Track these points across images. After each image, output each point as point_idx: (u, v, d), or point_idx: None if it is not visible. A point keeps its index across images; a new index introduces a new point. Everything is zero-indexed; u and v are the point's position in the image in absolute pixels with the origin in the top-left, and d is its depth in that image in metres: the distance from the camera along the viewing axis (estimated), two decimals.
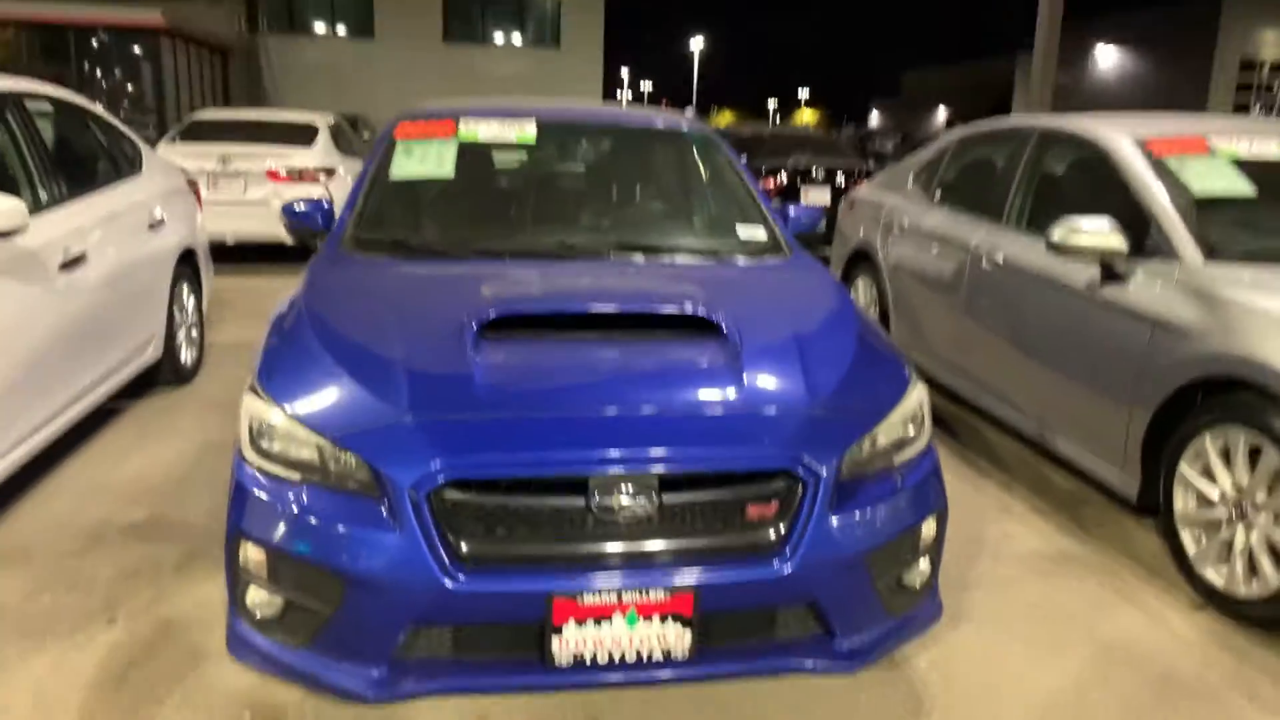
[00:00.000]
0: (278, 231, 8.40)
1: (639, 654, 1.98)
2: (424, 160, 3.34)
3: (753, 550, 2.00)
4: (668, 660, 1.99)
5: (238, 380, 4.96)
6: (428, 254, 2.89)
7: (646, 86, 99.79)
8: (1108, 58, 33.82)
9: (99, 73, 20.41)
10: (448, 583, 1.89)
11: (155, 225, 4.44)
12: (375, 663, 1.97)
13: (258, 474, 2.09)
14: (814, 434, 2.07)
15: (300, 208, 3.31)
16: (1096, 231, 3.28)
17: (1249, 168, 3.47)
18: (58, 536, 3.13)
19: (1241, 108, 30.47)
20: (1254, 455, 2.72)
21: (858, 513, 2.07)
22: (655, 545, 1.97)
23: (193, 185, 5.33)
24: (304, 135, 8.97)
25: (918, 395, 2.33)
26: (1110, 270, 3.33)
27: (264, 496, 2.04)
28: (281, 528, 2.00)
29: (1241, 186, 3.39)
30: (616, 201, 3.54)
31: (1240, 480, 2.77)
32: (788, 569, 1.98)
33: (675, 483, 1.97)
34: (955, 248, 4.43)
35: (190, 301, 4.95)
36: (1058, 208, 4.04)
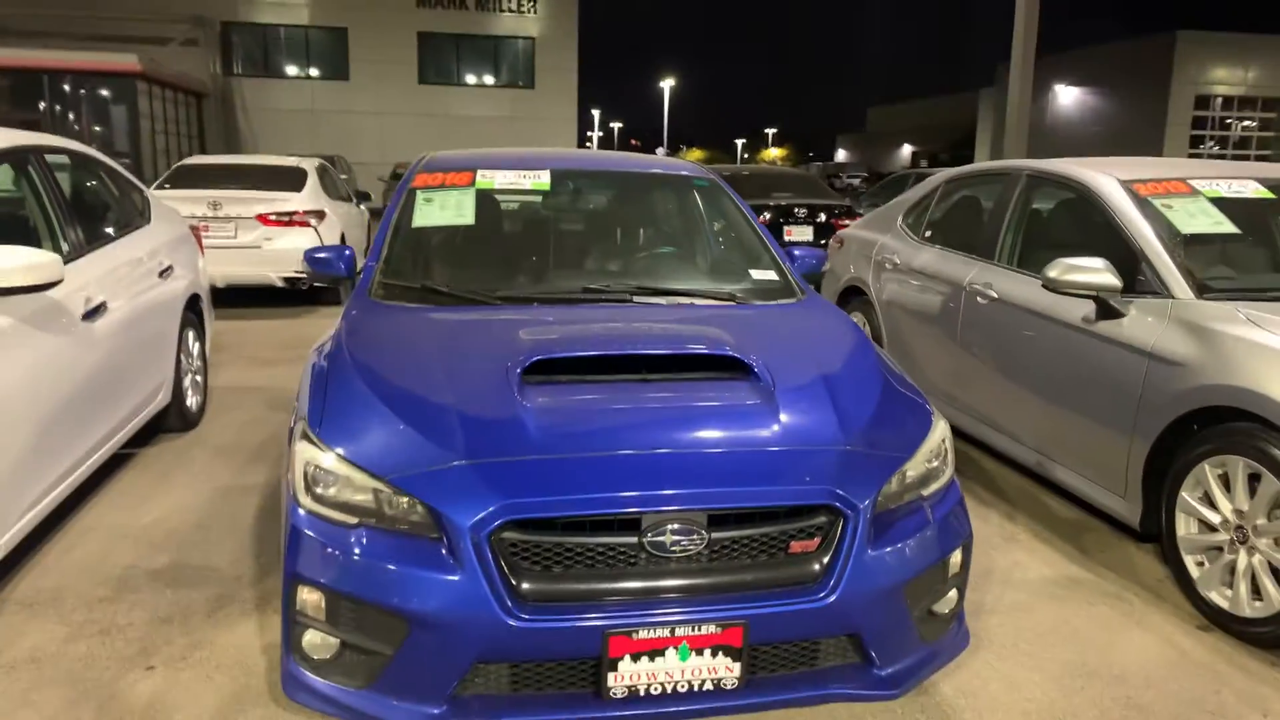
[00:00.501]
0: (268, 274, 8.47)
1: (690, 685, 2.05)
2: (444, 209, 3.45)
3: (797, 583, 2.08)
4: (718, 691, 2.07)
5: (242, 425, 5.02)
6: (457, 301, 2.97)
7: (616, 127, 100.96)
8: (1068, 96, 34.83)
9: (72, 116, 20.39)
10: (509, 621, 1.96)
11: (164, 272, 4.50)
12: (435, 701, 2.03)
13: (314, 518, 2.14)
14: (851, 470, 2.17)
15: (323, 255, 3.40)
16: (1091, 270, 3.44)
17: (1228, 207, 3.67)
18: (87, 582, 3.15)
19: (1197, 142, 31.46)
20: (1253, 481, 2.86)
21: (893, 545, 2.16)
22: (705, 580, 2.05)
23: (195, 231, 5.39)
24: (292, 179, 9.05)
25: (941, 430, 2.44)
26: (1105, 306, 3.48)
27: (322, 540, 2.10)
28: (341, 571, 2.06)
29: (1225, 225, 3.58)
30: (632, 246, 3.65)
31: (1240, 506, 2.90)
32: (830, 601, 2.07)
33: (723, 519, 2.06)
34: (949, 285, 4.58)
35: (195, 347, 4.99)
36: (1047, 246, 4.23)
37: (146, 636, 2.82)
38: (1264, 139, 32.17)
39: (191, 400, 4.92)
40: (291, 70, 28.33)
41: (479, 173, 3.59)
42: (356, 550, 2.06)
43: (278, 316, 8.44)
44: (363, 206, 11.37)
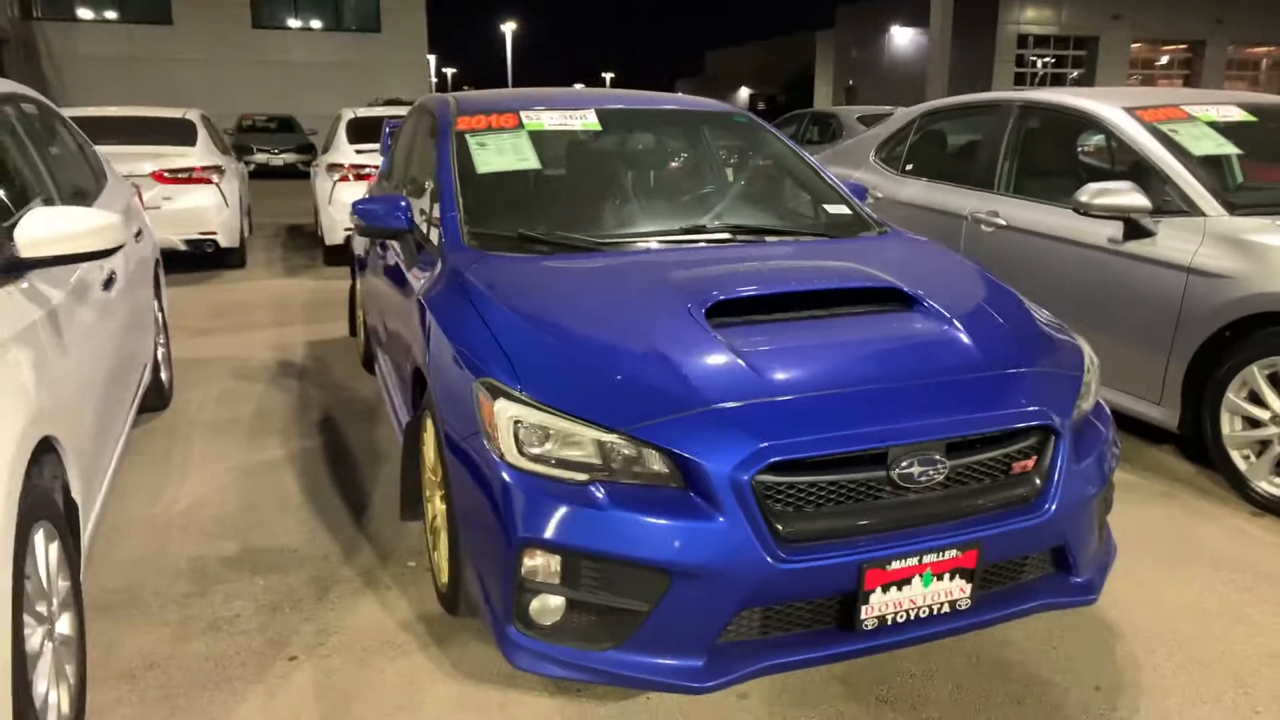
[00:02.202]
0: (170, 238, 7.76)
1: (930, 610, 2.09)
2: (501, 153, 3.26)
3: (1020, 502, 2.15)
4: (952, 613, 2.12)
5: (219, 399, 4.63)
6: (564, 247, 2.83)
7: (449, 73, 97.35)
8: (904, 37, 36.29)
9: None
10: (773, 564, 1.93)
11: (137, 235, 4.04)
12: (697, 653, 1.98)
13: (534, 478, 2.02)
14: (1053, 389, 2.25)
15: (374, 206, 3.15)
16: (1122, 192, 3.65)
17: (1222, 131, 3.96)
18: (158, 578, 2.85)
19: (1020, 79, 33.54)
20: None
21: (1086, 459, 2.26)
22: (945, 507, 2.08)
23: (136, 190, 4.86)
24: (182, 132, 8.27)
25: (1088, 349, 2.55)
26: (1135, 226, 3.71)
27: (552, 500, 1.98)
28: (584, 530, 1.96)
29: (1228, 147, 3.87)
30: (700, 184, 3.57)
31: None
32: (1047, 516, 2.15)
33: (957, 446, 2.09)
34: (944, 215, 4.75)
35: (159, 317, 4.53)
36: (1050, 174, 4.43)
37: (265, 627, 2.59)
38: (1079, 75, 34.68)
39: (164, 374, 4.48)
40: (104, 13, 25.67)
41: (522, 114, 3.41)
42: (598, 506, 1.96)
43: (186, 283, 7.76)
44: (244, 161, 10.55)
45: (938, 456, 2.04)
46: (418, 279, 3.01)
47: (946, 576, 2.08)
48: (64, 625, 2.10)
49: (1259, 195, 3.77)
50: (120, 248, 2.56)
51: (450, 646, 2.50)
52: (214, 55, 26.12)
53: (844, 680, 2.34)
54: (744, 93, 65.14)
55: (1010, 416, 2.14)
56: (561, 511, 1.97)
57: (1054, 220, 4.11)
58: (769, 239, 3.01)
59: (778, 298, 2.41)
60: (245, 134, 21.46)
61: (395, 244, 3.48)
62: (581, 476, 2.01)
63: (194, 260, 8.25)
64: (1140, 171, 3.83)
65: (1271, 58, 36.73)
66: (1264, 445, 3.32)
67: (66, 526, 2.18)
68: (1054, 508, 2.16)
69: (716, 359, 2.14)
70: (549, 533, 1.98)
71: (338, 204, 8.09)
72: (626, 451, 2.01)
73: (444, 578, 2.58)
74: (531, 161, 3.24)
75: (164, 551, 3.04)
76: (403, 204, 3.16)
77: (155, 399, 4.32)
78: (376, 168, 8.04)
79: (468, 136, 3.30)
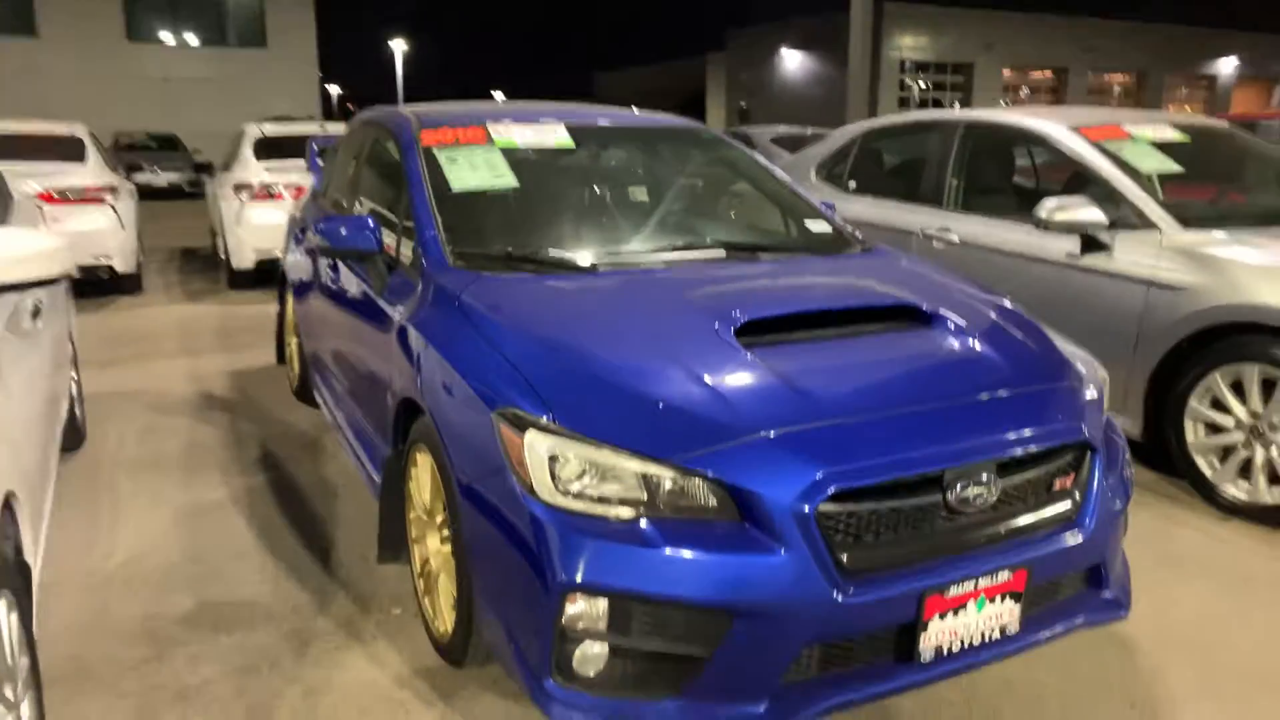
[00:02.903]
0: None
1: (983, 636, 2.02)
2: (475, 169, 3.08)
3: (1062, 520, 2.11)
4: (1002, 638, 2.05)
5: (139, 435, 4.24)
6: (557, 268, 2.68)
7: (333, 91, 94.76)
8: (793, 60, 37.34)
9: None
10: (839, 597, 1.82)
11: None
12: (760, 697, 1.85)
13: (573, 516, 1.86)
14: (1083, 405, 2.22)
15: (343, 228, 2.92)
16: (1078, 207, 3.73)
17: (1160, 148, 4.12)
18: (108, 643, 2.53)
19: (904, 103, 34.95)
20: (1265, 386, 3.27)
21: (1114, 473, 2.25)
22: (995, 529, 2.02)
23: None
24: (69, 149, 7.68)
25: (1097, 362, 2.55)
26: (1092, 241, 3.80)
27: (598, 540, 1.83)
28: (634, 571, 1.81)
29: (1170, 165, 4.01)
30: (686, 201, 3.46)
31: (1255, 408, 3.31)
32: (1087, 534, 2.12)
33: (1006, 466, 2.03)
34: (896, 232, 4.78)
35: (73, 348, 4.12)
36: (998, 191, 4.53)
37: (242, 693, 2.32)
38: (956, 98, 36.40)
39: (78, 410, 4.08)
40: None
41: (490, 128, 3.25)
42: (650, 544, 1.81)
43: (81, 311, 7.14)
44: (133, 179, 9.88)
45: (989, 477, 1.98)
46: (393, 303, 2.80)
47: (998, 600, 2.01)
48: (26, 709, 1.81)
49: (1206, 210, 3.93)
50: (68, 274, 2.27)
51: (459, 701, 2.29)
52: (85, 70, 24.63)
53: (882, 710, 2.25)
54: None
55: (1054, 433, 2.10)
56: (609, 552, 1.82)
57: (1008, 235, 4.19)
58: (762, 256, 2.93)
59: (801, 317, 2.33)
60: (124, 153, 20.25)
61: (354, 266, 3.25)
62: (627, 512, 1.86)
63: (86, 287, 7.63)
64: (1092, 189, 3.94)
65: (1123, 85, 39.45)
66: (1228, 451, 3.42)
67: (21, 593, 1.90)
68: (1093, 524, 2.13)
69: (759, 381, 2.03)
70: (596, 576, 1.82)
71: (247, 225, 7.65)
72: (673, 484, 1.87)
73: (445, 626, 2.38)
74: (508, 179, 3.07)
75: (107, 611, 2.71)
76: (370, 223, 2.94)
77: (70, 437, 3.91)
78: (289, 186, 7.67)
79: (436, 152, 3.11)
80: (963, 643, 2.00)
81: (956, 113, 4.81)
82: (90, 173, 7.44)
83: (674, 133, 3.71)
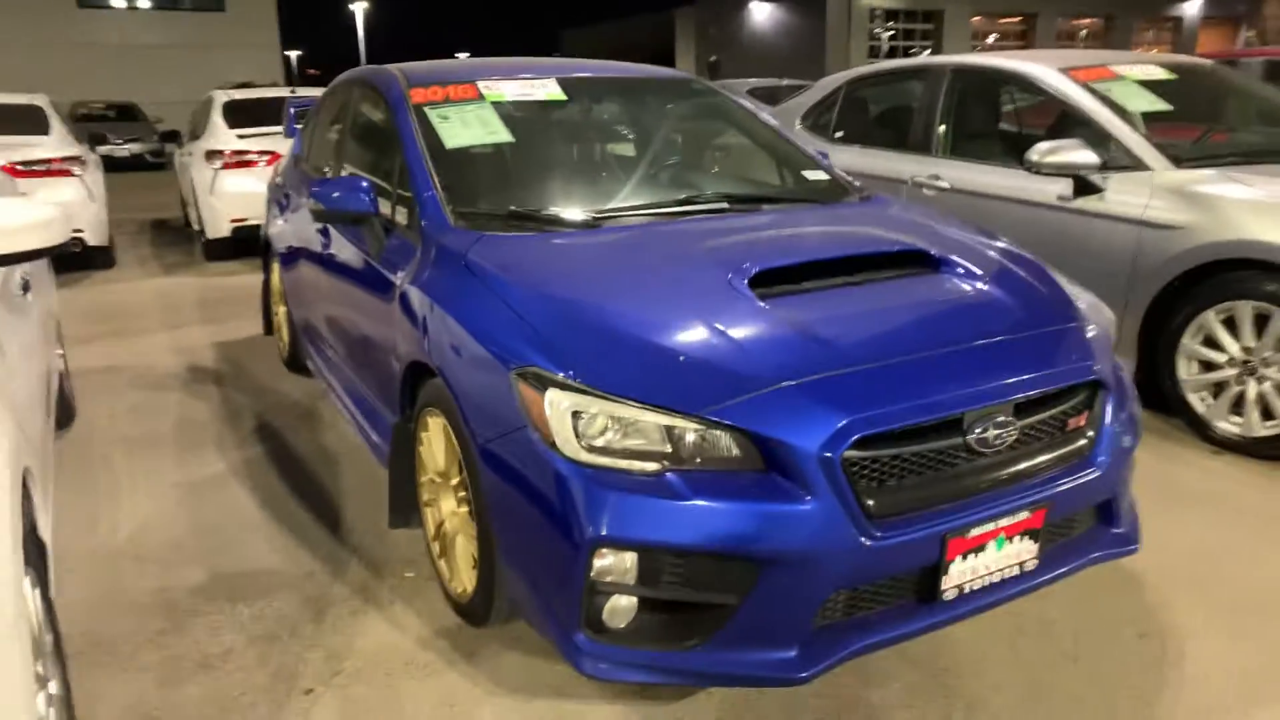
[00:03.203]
0: None
1: (1002, 574, 2.06)
2: (468, 126, 3.03)
3: (1077, 458, 2.14)
4: (1021, 575, 2.09)
5: (129, 412, 4.19)
6: (570, 223, 2.65)
7: (293, 55, 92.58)
8: (762, 12, 36.91)
9: None
10: (866, 542, 1.84)
11: None
12: (790, 643, 1.87)
13: (600, 472, 1.86)
14: (1092, 344, 2.24)
15: (337, 191, 2.86)
16: (1071, 149, 3.74)
17: (1149, 88, 4.12)
18: (122, 618, 2.51)
19: (874, 51, 34.70)
20: (1258, 321, 3.31)
21: (1124, 411, 2.28)
22: (1015, 469, 2.04)
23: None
24: (31, 120, 7.47)
25: (1103, 304, 2.57)
26: (1084, 183, 3.81)
27: (625, 494, 1.83)
28: (663, 524, 1.81)
29: (1160, 104, 4.02)
30: (683, 153, 3.43)
31: (1248, 344, 3.35)
32: (1100, 471, 2.15)
33: (1023, 406, 2.05)
34: (883, 180, 4.77)
35: (57, 322, 4.04)
36: (988, 137, 4.51)
37: (266, 660, 2.32)
38: (926, 47, 36.21)
39: (67, 386, 4.01)
40: None
41: (480, 84, 3.19)
42: (679, 496, 1.82)
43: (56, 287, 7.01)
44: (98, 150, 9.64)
45: (1007, 418, 2.00)
46: (392, 266, 2.76)
47: (1017, 539, 2.05)
48: (53, 686, 1.80)
49: (1196, 149, 3.95)
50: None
51: (483, 661, 2.30)
52: (36, 38, 23.91)
53: (902, 654, 2.29)
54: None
55: (1068, 373, 2.12)
56: (638, 505, 1.82)
57: (999, 180, 4.19)
58: (764, 207, 2.91)
59: (811, 266, 2.32)
60: (82, 124, 19.74)
61: (347, 230, 3.19)
62: (652, 466, 1.86)
63: (57, 263, 7.45)
64: (1083, 130, 3.94)
65: (1090, 29, 39.43)
66: (1221, 387, 3.48)
67: (42, 569, 1.87)
68: (1106, 461, 2.16)
69: (776, 331, 2.03)
70: (624, 529, 1.82)
71: (220, 193, 7.50)
72: (696, 436, 1.87)
73: (463, 587, 2.38)
74: (502, 134, 3.02)
75: (120, 586, 2.69)
76: (364, 184, 2.88)
77: (61, 415, 3.85)
78: (263, 153, 7.52)
79: (427, 110, 3.05)
80: (983, 581, 2.03)
81: (943, 58, 4.78)
82: (55, 144, 7.25)
83: (665, 84, 3.66)
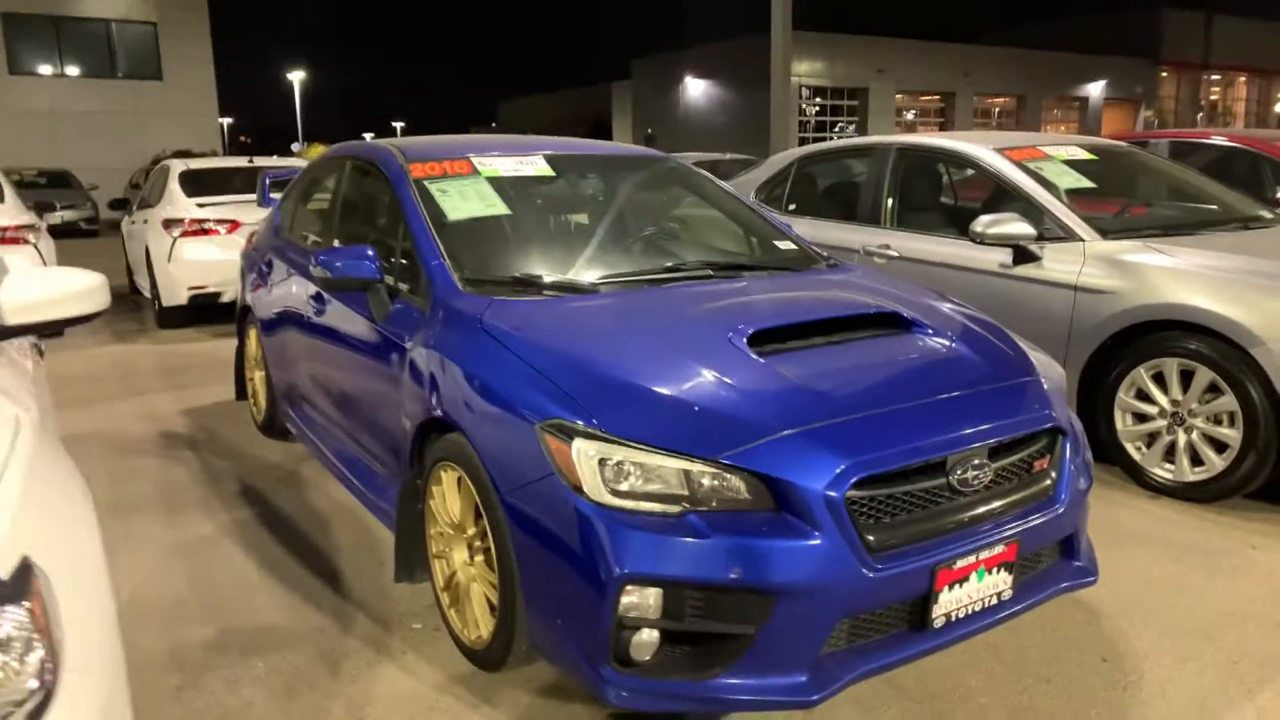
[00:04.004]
0: None
1: (982, 603, 2.27)
2: (466, 199, 3.24)
3: (1043, 497, 2.39)
4: (998, 604, 2.31)
5: (109, 476, 4.20)
6: (572, 288, 2.85)
7: (224, 123, 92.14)
8: (696, 88, 38.27)
9: None
10: (868, 573, 2.04)
11: None
12: (801, 669, 2.05)
13: (625, 514, 2.04)
14: (1052, 396, 2.52)
15: (340, 260, 3.02)
16: (1010, 222, 4.11)
17: (1073, 167, 4.56)
18: (137, 674, 2.56)
19: (803, 126, 36.13)
20: (1184, 376, 3.67)
21: (1079, 457, 2.54)
22: (990, 506, 2.27)
23: None
24: None
25: (1053, 360, 2.87)
26: (1023, 252, 4.18)
27: (651, 534, 2.01)
28: (690, 560, 1.99)
29: (1085, 182, 4.44)
30: (664, 225, 3.67)
31: (1175, 396, 3.70)
32: (1062, 509, 2.40)
33: (996, 450, 2.30)
34: (835, 249, 5.10)
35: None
36: (932, 209, 4.89)
37: (287, 712, 2.40)
38: (850, 120, 37.88)
39: None
40: None
41: (473, 160, 3.42)
42: (699, 535, 2.00)
43: None
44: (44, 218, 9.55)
45: (983, 461, 2.25)
46: (398, 330, 2.92)
47: (995, 570, 2.27)
48: None
49: (1120, 221, 4.36)
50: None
51: (502, 703, 2.42)
52: None
53: (892, 684, 2.48)
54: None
55: (1033, 420, 2.38)
56: (661, 544, 2.00)
57: (945, 249, 4.55)
58: (744, 274, 3.16)
59: (801, 326, 2.56)
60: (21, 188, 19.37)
61: (345, 296, 3.33)
62: (674, 508, 2.05)
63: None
64: (1017, 204, 4.32)
65: (1003, 108, 41.84)
66: (1154, 437, 3.81)
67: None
68: (1067, 499, 2.41)
69: (778, 385, 2.25)
70: (650, 566, 2.00)
71: (179, 261, 7.52)
72: (711, 480, 2.06)
73: (478, 633, 2.51)
74: (499, 207, 3.24)
75: (129, 644, 2.71)
76: (370, 253, 3.05)
77: None
78: (221, 221, 7.60)
79: (427, 184, 3.25)
80: (967, 610, 2.24)
81: (889, 138, 5.18)
82: (10, 212, 7.20)
83: (643, 161, 3.94)
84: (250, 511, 3.78)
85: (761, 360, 2.34)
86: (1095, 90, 43.10)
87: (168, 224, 7.63)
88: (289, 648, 2.71)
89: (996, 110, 41.82)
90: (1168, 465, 3.77)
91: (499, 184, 3.34)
